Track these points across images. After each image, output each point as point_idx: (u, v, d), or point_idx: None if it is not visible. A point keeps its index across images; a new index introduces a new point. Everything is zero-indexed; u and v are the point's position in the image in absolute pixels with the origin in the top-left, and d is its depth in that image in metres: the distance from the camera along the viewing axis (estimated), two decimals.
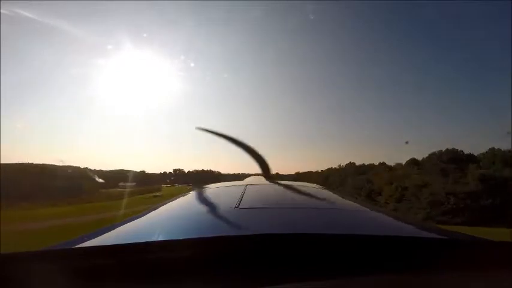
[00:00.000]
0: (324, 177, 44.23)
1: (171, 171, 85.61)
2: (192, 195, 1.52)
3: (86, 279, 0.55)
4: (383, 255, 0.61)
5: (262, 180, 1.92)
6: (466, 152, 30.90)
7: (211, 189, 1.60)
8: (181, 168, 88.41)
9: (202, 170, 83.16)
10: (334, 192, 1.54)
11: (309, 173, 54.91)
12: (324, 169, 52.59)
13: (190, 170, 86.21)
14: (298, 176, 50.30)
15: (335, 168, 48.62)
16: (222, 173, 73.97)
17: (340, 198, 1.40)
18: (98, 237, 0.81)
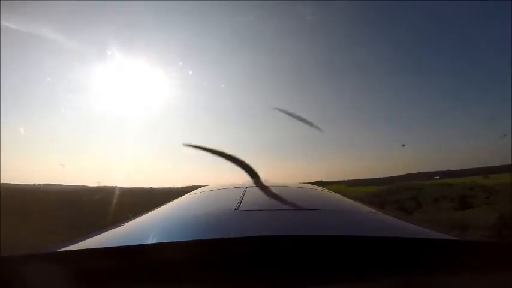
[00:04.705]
0: None
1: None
2: (192, 197, 1.52)
3: (84, 282, 0.55)
4: (384, 256, 0.61)
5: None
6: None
7: (212, 191, 1.60)
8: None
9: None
10: (334, 194, 1.54)
11: None
12: None
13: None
14: None
15: None
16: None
17: (341, 199, 1.38)
18: (98, 239, 0.82)
